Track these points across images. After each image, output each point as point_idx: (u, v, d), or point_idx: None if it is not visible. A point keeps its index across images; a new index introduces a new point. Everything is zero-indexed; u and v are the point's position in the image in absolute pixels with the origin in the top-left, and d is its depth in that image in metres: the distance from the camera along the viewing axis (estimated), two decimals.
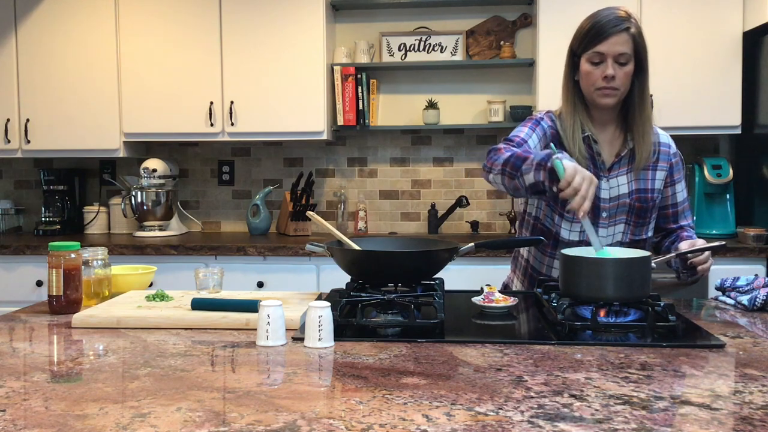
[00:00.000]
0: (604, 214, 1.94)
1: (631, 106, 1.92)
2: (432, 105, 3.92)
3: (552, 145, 1.79)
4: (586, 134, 1.94)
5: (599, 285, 1.59)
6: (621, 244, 1.96)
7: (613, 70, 1.84)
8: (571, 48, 1.94)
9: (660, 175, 1.97)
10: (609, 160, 1.95)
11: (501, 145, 1.90)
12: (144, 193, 3.90)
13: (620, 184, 1.94)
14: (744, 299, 1.82)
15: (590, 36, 1.86)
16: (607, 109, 1.93)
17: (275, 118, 3.76)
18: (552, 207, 1.98)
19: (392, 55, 3.98)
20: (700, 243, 1.86)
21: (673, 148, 2.02)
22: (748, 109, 3.54)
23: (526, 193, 1.80)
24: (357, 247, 1.84)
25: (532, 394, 1.13)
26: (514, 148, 1.85)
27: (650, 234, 2.02)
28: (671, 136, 2.06)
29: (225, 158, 4.20)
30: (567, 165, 1.64)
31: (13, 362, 1.34)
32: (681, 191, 2.02)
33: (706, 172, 3.56)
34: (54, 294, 1.75)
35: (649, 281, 1.64)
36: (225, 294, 1.91)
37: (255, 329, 1.52)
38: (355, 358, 1.35)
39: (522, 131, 1.96)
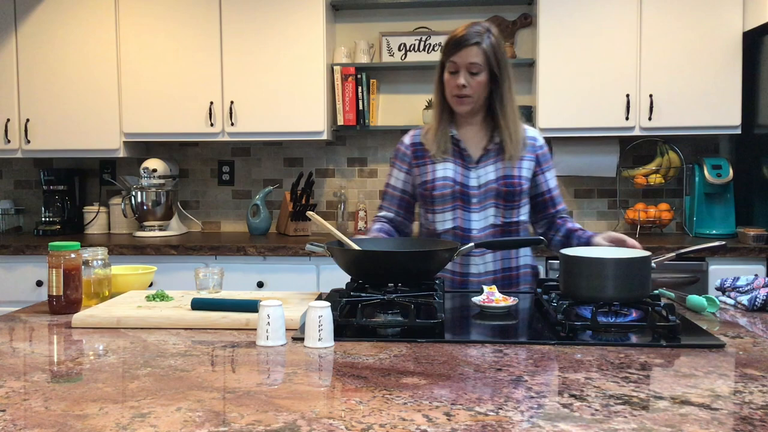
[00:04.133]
0: (474, 200, 2.13)
1: (494, 109, 2.14)
2: (432, 105, 3.91)
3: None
4: (450, 134, 2.16)
5: (599, 285, 1.60)
6: (494, 226, 2.13)
7: (464, 80, 2.07)
8: (441, 59, 2.14)
9: (526, 164, 2.17)
10: (476, 154, 2.16)
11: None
12: (144, 193, 3.90)
13: (488, 173, 2.14)
14: (744, 299, 1.82)
15: (449, 47, 2.09)
16: (466, 114, 2.15)
17: (275, 118, 3.75)
18: (425, 209, 2.21)
19: (392, 55, 3.98)
20: (614, 235, 2.00)
21: (539, 141, 2.23)
22: (748, 109, 3.53)
23: None
24: (357, 247, 1.85)
25: (532, 394, 1.13)
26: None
27: (522, 218, 2.18)
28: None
29: (225, 158, 4.20)
30: None
31: (13, 362, 1.34)
32: (551, 179, 2.23)
33: (706, 172, 3.55)
34: (54, 294, 1.75)
35: (650, 281, 1.64)
36: (225, 294, 1.91)
37: (255, 329, 1.52)
38: (355, 358, 1.35)
39: (390, 177, 2.27)
